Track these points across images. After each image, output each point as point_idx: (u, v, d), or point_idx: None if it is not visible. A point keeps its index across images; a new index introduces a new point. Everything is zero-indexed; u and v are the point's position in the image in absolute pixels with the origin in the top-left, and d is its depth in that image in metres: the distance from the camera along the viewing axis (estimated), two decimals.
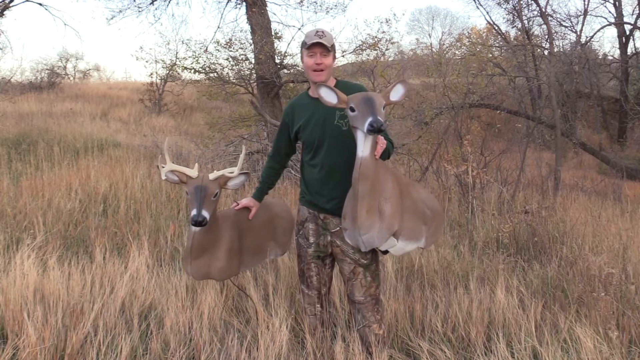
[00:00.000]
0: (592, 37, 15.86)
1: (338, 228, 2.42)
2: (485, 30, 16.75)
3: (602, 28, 19.76)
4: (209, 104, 16.03)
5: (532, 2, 13.45)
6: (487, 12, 23.90)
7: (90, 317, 2.63)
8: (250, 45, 8.90)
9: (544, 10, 12.51)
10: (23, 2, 12.88)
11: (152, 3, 10.92)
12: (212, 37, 25.27)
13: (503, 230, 4.38)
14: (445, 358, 2.53)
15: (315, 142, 2.44)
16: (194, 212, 2.40)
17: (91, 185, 5.44)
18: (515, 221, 4.53)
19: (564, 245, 4.26)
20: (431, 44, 27.18)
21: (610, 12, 18.17)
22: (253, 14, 9.02)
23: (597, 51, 18.03)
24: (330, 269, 2.59)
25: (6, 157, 6.99)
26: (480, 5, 15.92)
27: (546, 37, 12.81)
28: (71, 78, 20.97)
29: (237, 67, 8.98)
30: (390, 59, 11.34)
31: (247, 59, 8.87)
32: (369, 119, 1.99)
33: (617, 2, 15.81)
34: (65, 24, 23.02)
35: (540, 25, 14.90)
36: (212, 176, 2.56)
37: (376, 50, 8.39)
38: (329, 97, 2.19)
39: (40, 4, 13.13)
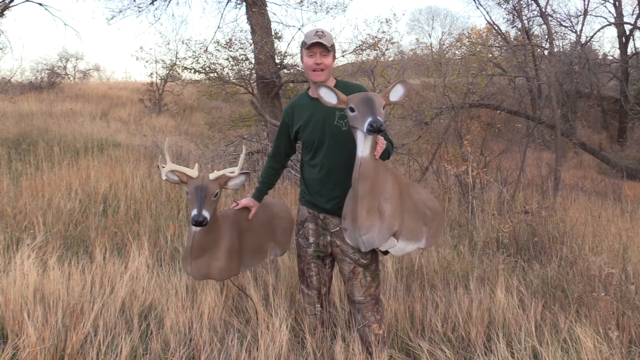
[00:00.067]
0: (592, 37, 15.87)
1: (338, 228, 2.43)
2: (485, 30, 16.76)
3: (602, 28, 19.76)
4: (209, 104, 16.03)
5: (532, 2, 13.47)
6: (487, 12, 23.89)
7: (90, 317, 2.63)
8: (250, 45, 8.90)
9: (544, 10, 12.52)
10: (23, 2, 12.89)
11: (152, 3, 10.93)
12: (212, 37, 25.27)
13: (503, 230, 4.38)
14: (445, 358, 2.53)
15: (315, 142, 2.44)
16: (194, 212, 2.40)
17: (91, 185, 5.44)
18: (515, 221, 4.53)
19: (564, 245, 4.26)
20: (431, 44, 27.20)
21: (610, 12, 18.19)
22: (253, 14, 9.02)
23: (597, 51, 18.06)
24: (330, 269, 2.59)
25: (6, 157, 6.99)
26: (480, 5, 15.95)
27: (546, 37, 12.82)
28: (71, 78, 20.98)
29: (237, 67, 8.98)
30: (390, 59, 11.34)
31: (247, 59, 8.88)
32: (369, 119, 1.99)
33: (617, 2, 15.81)
34: (65, 24, 23.07)
35: (540, 25, 14.92)
36: (212, 176, 2.56)
37: (376, 50, 8.39)
38: (329, 97, 2.19)
39: (40, 4, 13.14)
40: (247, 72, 8.97)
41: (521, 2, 13.04)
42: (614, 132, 16.40)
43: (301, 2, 9.57)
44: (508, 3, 14.78)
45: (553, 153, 9.72)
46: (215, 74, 9.05)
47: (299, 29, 9.44)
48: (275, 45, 9.00)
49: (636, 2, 15.03)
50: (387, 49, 8.62)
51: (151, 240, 4.08)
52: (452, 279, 3.52)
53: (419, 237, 2.37)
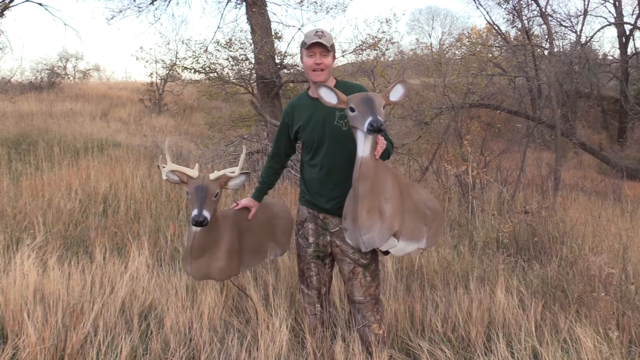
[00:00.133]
0: (592, 37, 15.87)
1: (338, 228, 2.43)
2: (485, 30, 16.77)
3: (602, 28, 19.77)
4: (209, 104, 16.03)
5: (532, 2, 13.47)
6: (487, 12, 23.91)
7: (90, 317, 2.63)
8: (250, 45, 8.90)
9: (544, 10, 12.52)
10: (23, 2, 12.90)
11: (152, 3, 10.93)
12: (212, 37, 25.26)
13: (503, 230, 4.38)
14: (445, 358, 2.53)
15: (315, 142, 2.44)
16: (195, 212, 2.40)
17: (91, 185, 5.44)
18: (515, 221, 4.53)
19: (564, 245, 4.26)
20: (431, 44, 27.18)
21: (610, 12, 18.20)
22: (253, 14, 9.02)
23: (597, 51, 18.06)
24: (330, 269, 2.59)
25: (6, 157, 6.99)
26: (480, 5, 15.96)
27: (546, 37, 12.83)
28: (71, 78, 20.98)
29: (237, 67, 8.98)
30: (390, 59, 11.34)
31: (247, 59, 8.88)
32: (369, 119, 1.99)
33: (617, 2, 15.81)
34: (65, 24, 23.11)
35: (540, 25, 14.93)
36: (212, 176, 2.56)
37: (376, 50, 8.40)
38: (329, 97, 2.19)
39: (40, 4, 13.14)
40: (247, 72, 8.97)
41: (521, 2, 13.04)
42: (614, 132, 16.41)
43: (301, 2, 9.58)
44: (508, 3, 14.80)
45: (553, 153, 9.72)
46: (215, 74, 9.05)
47: (299, 29, 9.45)
48: (275, 45, 9.01)
49: (636, 2, 15.04)
50: (387, 49, 8.63)
51: (151, 240, 4.08)
52: (452, 279, 3.52)
53: (419, 237, 2.37)
